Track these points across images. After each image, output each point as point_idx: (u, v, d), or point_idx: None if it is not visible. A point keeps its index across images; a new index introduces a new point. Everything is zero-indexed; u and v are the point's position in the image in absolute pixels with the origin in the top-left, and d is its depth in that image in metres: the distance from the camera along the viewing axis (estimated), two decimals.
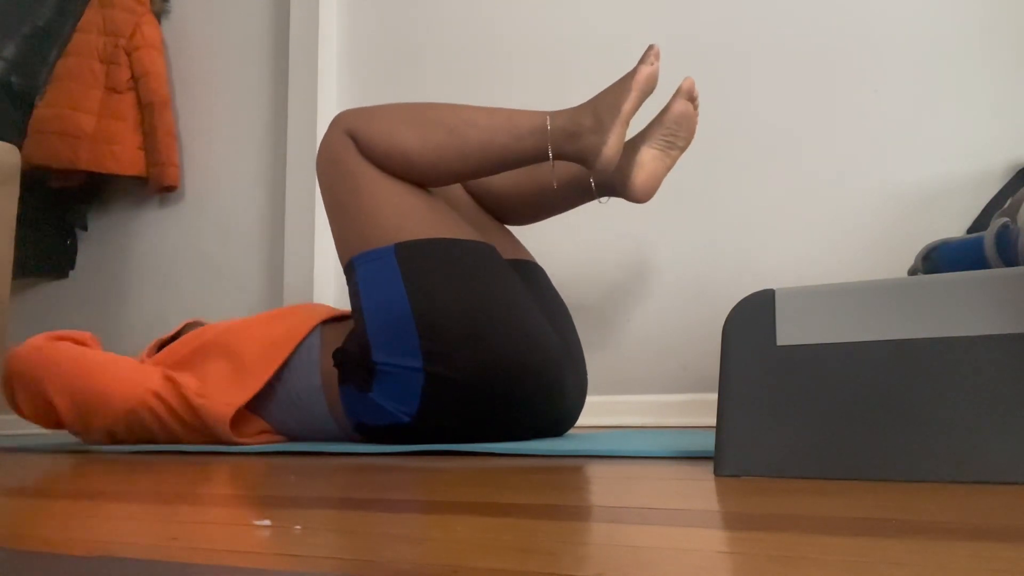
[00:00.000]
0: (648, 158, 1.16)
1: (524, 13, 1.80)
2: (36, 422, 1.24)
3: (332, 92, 1.98)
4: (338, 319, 1.28)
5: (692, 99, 1.18)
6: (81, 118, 2.05)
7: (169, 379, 1.19)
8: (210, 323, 1.46)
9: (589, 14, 1.73)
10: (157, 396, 1.18)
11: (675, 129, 1.17)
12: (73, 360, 1.21)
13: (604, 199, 1.25)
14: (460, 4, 1.87)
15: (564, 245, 1.69)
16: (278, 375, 1.21)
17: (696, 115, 1.19)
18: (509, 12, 1.81)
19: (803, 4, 1.55)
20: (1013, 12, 1.40)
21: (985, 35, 1.41)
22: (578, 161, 1.09)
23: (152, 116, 2.11)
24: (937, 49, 1.45)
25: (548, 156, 1.09)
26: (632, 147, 1.16)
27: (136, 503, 0.57)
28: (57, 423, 1.23)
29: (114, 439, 1.24)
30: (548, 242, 1.67)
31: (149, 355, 1.36)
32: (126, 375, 1.20)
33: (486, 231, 1.27)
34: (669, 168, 1.19)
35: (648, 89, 1.08)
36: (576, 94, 1.25)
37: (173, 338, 1.41)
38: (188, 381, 1.19)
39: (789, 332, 0.65)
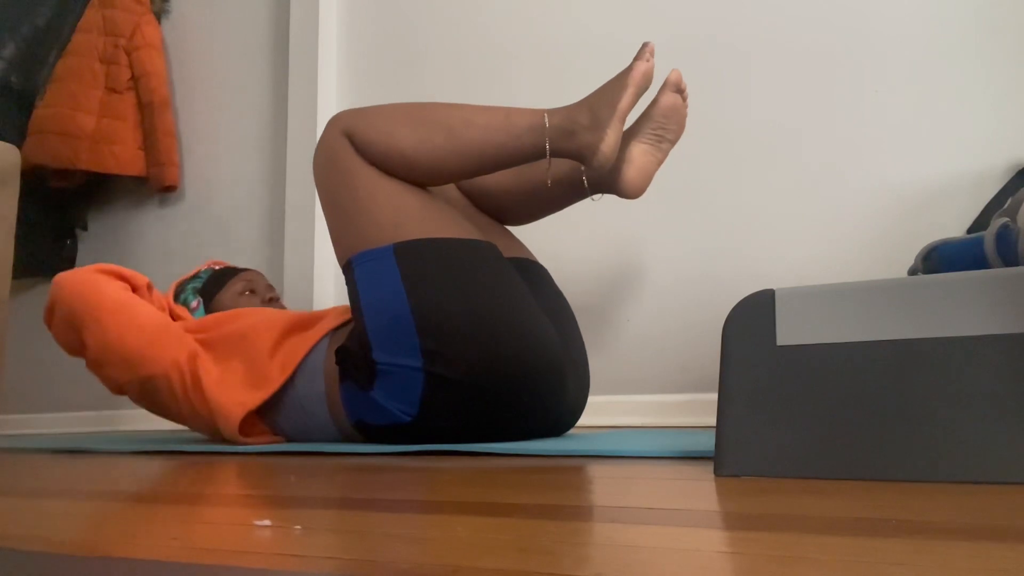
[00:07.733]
0: (638, 153, 1.16)
1: (524, 13, 1.80)
2: (62, 347, 1.26)
3: (332, 92, 1.98)
4: (345, 324, 1.27)
5: (680, 91, 1.17)
6: (81, 118, 2.06)
7: (195, 358, 1.20)
8: (259, 279, 1.52)
9: (588, 13, 1.73)
10: (179, 369, 1.19)
11: (664, 122, 1.16)
12: (118, 306, 1.21)
13: (597, 196, 1.25)
14: (460, 4, 1.87)
15: (564, 245, 1.69)
16: (288, 381, 1.21)
17: (685, 107, 1.18)
18: (509, 12, 1.81)
19: (803, 3, 1.55)
20: (1012, 11, 1.40)
21: (984, 34, 1.41)
22: (576, 158, 1.09)
23: (152, 116, 2.11)
24: (936, 49, 1.45)
25: (546, 154, 1.09)
26: (622, 143, 1.16)
27: (136, 503, 0.57)
28: (78, 355, 1.25)
29: (121, 392, 1.26)
30: (548, 242, 1.67)
31: (171, 298, 1.42)
32: (161, 342, 1.20)
33: (485, 230, 1.27)
34: (660, 162, 1.18)
35: (644, 85, 1.08)
36: (575, 93, 1.25)
37: (193, 277, 1.49)
38: (210, 368, 1.20)
39: (789, 332, 0.65)
